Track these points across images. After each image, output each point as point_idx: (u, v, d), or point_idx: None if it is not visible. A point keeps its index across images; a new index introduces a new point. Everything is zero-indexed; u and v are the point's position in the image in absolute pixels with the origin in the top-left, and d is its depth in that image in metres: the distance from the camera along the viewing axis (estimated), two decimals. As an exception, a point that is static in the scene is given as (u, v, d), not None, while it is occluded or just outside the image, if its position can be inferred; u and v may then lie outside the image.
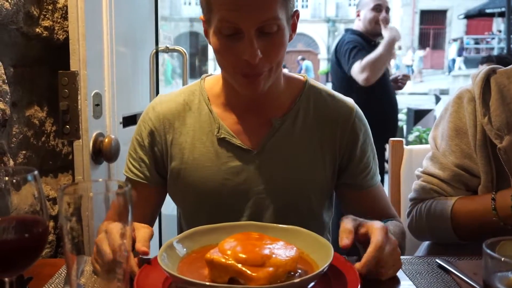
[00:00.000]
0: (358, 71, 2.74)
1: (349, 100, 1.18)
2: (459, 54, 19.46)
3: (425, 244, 1.33)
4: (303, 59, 20.36)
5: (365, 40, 2.88)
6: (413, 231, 1.27)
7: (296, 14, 1.07)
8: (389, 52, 2.75)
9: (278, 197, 1.10)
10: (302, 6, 27.06)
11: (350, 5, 26.97)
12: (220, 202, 1.10)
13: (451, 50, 21.42)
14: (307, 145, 1.11)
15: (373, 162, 1.18)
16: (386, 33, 2.78)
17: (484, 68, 1.21)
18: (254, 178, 1.09)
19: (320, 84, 1.19)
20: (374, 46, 2.82)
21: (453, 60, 20.33)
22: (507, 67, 1.19)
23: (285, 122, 1.11)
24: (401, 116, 9.14)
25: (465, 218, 1.15)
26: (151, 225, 1.16)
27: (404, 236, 1.13)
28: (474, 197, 1.18)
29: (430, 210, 1.20)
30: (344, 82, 2.85)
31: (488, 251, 0.65)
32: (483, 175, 1.15)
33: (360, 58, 2.74)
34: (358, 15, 2.95)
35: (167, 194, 1.19)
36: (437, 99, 9.74)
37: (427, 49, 24.00)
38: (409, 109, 8.14)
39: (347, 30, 3.04)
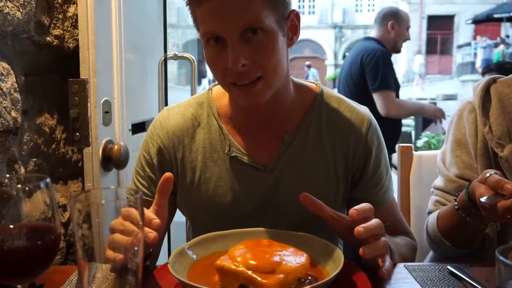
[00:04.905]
0: (386, 103, 2.77)
1: (364, 111, 1.13)
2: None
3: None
4: (308, 66, 20.28)
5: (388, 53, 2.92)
6: (428, 245, 1.26)
7: (293, 14, 1.01)
8: (420, 114, 3.00)
9: (291, 214, 1.07)
10: (309, 13, 27.07)
11: (357, 11, 26.99)
12: (233, 221, 1.06)
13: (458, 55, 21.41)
14: (320, 161, 1.08)
15: (386, 178, 1.14)
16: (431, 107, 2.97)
17: (484, 78, 1.22)
18: (266, 196, 1.07)
19: (334, 93, 1.15)
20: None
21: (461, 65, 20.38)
22: (507, 76, 1.20)
23: (297, 137, 1.07)
24: (410, 121, 9.05)
25: (443, 220, 1.13)
26: (162, 239, 1.15)
27: (410, 248, 1.11)
28: None
29: (429, 221, 1.21)
30: (359, 89, 2.86)
31: (501, 258, 0.64)
32: None
33: (390, 86, 2.78)
34: (392, 27, 2.91)
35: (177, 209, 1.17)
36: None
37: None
38: (417, 115, 8.10)
39: (370, 39, 2.96)
